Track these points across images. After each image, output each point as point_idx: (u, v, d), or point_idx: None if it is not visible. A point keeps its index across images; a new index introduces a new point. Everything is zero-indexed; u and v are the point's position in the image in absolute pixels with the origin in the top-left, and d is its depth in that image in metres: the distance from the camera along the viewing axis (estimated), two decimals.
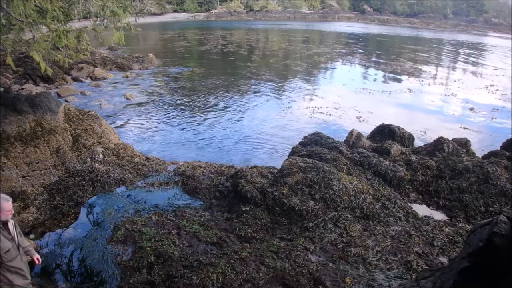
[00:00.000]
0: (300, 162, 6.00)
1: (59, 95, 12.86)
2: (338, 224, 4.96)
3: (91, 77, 16.04)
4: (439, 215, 5.63)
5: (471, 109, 13.81)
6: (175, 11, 55.68)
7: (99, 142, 7.51)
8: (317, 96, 14.93)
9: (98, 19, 6.95)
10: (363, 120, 11.92)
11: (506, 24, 53.68)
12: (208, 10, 57.10)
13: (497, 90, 16.98)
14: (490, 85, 17.81)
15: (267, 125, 11.35)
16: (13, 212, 3.19)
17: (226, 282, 3.71)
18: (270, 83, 16.90)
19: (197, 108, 12.78)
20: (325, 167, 5.85)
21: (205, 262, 4.05)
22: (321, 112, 12.60)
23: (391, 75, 19.85)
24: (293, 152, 7.61)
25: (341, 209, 5.19)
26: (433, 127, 11.49)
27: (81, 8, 7.13)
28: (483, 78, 19.98)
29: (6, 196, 3.08)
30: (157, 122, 11.31)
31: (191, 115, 12.01)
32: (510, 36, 40.52)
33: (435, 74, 20.46)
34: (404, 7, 61.48)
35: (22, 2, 5.35)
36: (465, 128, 11.59)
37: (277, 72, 19.62)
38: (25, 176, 6.04)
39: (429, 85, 17.49)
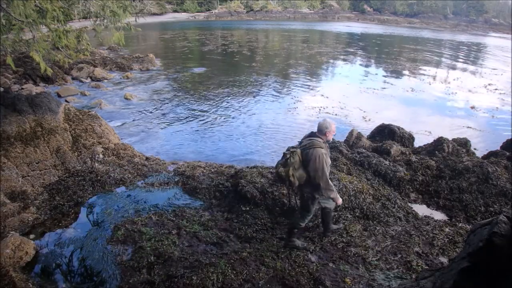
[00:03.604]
0: None
1: (59, 95, 12.86)
2: (338, 224, 4.96)
3: (91, 77, 16.03)
4: (439, 215, 5.63)
5: (472, 107, 13.82)
6: (175, 11, 55.64)
7: (99, 142, 7.51)
8: (322, 96, 14.90)
9: (98, 19, 6.94)
10: (369, 120, 11.89)
11: (506, 24, 53.67)
12: (208, 10, 57.04)
13: (496, 89, 17.02)
14: (489, 84, 17.85)
15: (270, 125, 11.31)
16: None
17: (226, 282, 3.71)
18: (274, 84, 16.87)
19: (198, 109, 12.76)
20: None
21: (205, 262, 4.05)
22: (327, 112, 12.57)
23: (393, 74, 19.86)
24: None
25: (341, 209, 5.19)
26: (434, 126, 11.48)
27: (81, 8, 7.12)
28: (483, 77, 20.02)
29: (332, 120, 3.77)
30: (157, 122, 11.31)
31: (191, 115, 12.00)
32: (510, 36, 40.52)
33: (436, 74, 20.47)
34: (404, 7, 61.46)
35: (22, 2, 5.34)
36: (466, 127, 11.59)
37: (281, 72, 19.58)
38: (25, 176, 6.04)
39: (430, 84, 17.51)
